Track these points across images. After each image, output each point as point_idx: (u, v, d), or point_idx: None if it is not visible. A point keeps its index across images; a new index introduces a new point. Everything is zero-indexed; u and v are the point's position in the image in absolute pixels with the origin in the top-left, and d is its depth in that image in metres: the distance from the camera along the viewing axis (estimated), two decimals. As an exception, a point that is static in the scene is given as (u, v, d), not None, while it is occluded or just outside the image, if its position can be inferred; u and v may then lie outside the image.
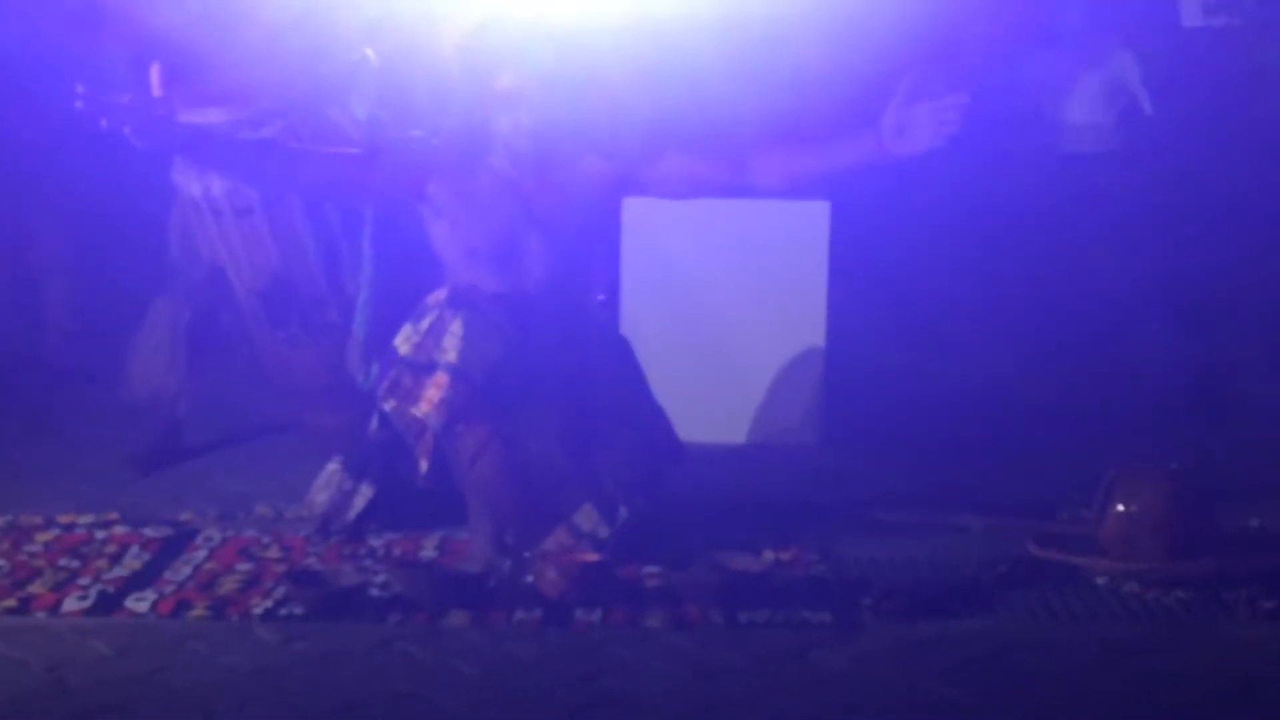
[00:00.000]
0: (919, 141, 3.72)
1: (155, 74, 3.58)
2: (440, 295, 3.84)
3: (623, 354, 4.08)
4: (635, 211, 4.95)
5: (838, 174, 3.98)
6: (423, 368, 3.77)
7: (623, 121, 4.13)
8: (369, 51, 4.34)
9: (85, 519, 4.14)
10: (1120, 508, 3.75)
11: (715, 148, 4.10)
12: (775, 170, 3.95)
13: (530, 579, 3.61)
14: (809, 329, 5.01)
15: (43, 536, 4.01)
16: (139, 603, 3.54)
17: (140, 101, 3.52)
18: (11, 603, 3.53)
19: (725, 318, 5.06)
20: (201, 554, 3.90)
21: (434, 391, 3.73)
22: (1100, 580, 3.70)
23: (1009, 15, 5.43)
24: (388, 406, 3.81)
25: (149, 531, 4.06)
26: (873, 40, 4.89)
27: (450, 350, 3.75)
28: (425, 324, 3.80)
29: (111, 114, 3.49)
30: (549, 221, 3.91)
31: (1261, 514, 4.04)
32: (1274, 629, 3.45)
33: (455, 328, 3.76)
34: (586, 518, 3.81)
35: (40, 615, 3.48)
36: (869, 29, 4.97)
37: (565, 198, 3.92)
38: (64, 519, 4.14)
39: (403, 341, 3.83)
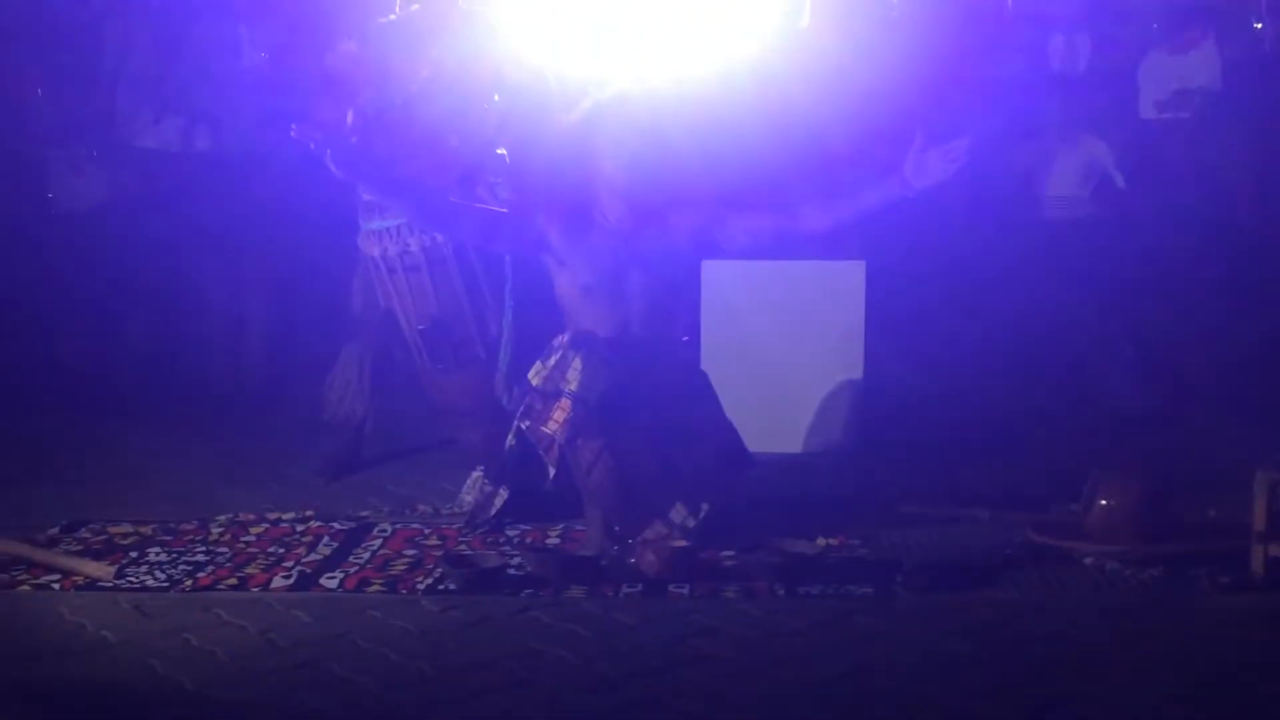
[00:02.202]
0: (933, 176, 3.72)
1: (350, 116, 3.63)
2: (564, 338, 3.84)
3: (703, 384, 4.05)
4: (711, 272, 4.95)
5: (873, 212, 3.90)
6: (550, 395, 3.77)
7: (700, 186, 4.12)
8: (501, 150, 4.36)
9: (288, 515, 4.16)
10: (1103, 501, 3.69)
11: (772, 202, 4.08)
12: (823, 216, 3.92)
13: (633, 561, 3.59)
14: (850, 363, 4.96)
15: (256, 529, 4.03)
16: (330, 580, 3.56)
17: (339, 134, 3.57)
18: (233, 581, 3.56)
19: (782, 354, 5.00)
20: (377, 542, 3.90)
21: (560, 414, 3.73)
22: (1087, 560, 3.62)
23: (1001, 96, 5.39)
24: (524, 425, 3.81)
25: (337, 525, 4.07)
26: (890, 103, 4.87)
27: (572, 381, 3.75)
28: (553, 360, 3.81)
29: (319, 140, 3.53)
30: (646, 264, 3.89)
31: (1217, 506, 3.95)
32: (1229, 599, 3.37)
33: (576, 363, 3.76)
34: (677, 512, 3.79)
35: (254, 590, 3.50)
36: (887, 95, 4.95)
37: (658, 244, 3.91)
38: (272, 515, 4.16)
39: (535, 374, 3.83)
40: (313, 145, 3.58)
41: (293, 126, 3.54)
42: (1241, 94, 5.73)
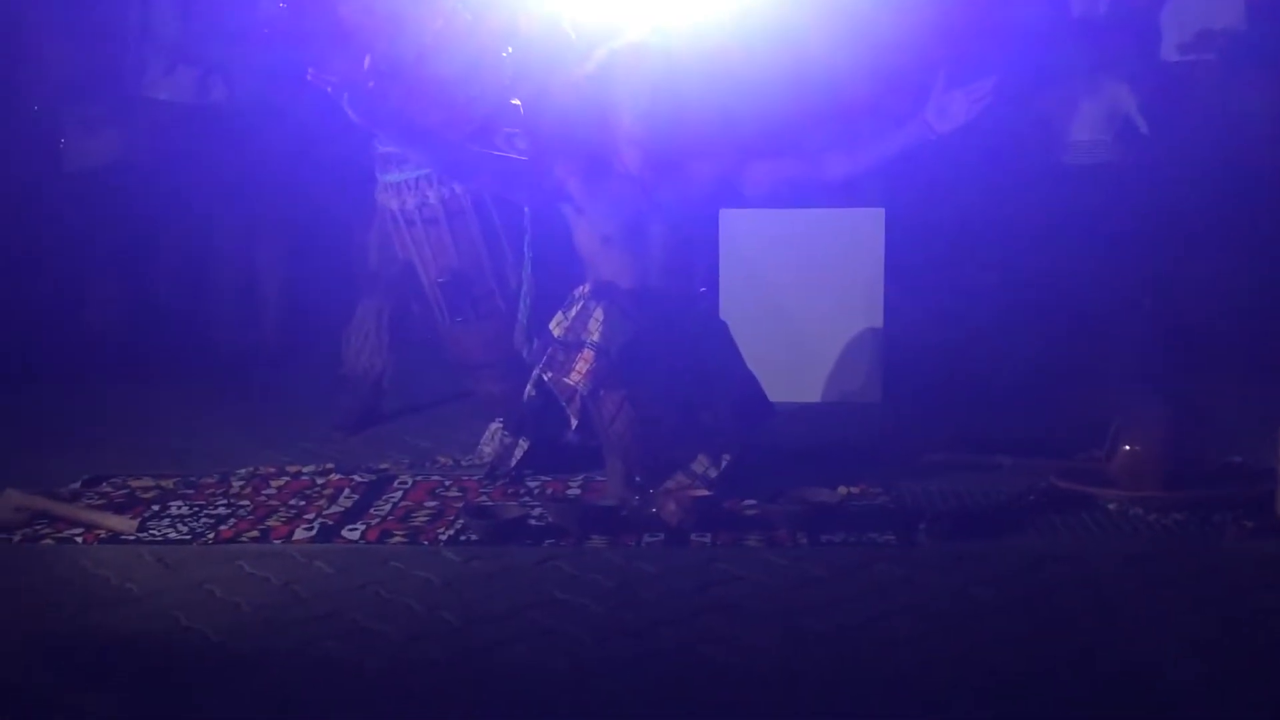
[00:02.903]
0: (958, 118, 3.67)
1: (368, 62, 3.61)
2: (585, 289, 3.83)
3: (722, 334, 4.03)
4: (729, 221, 4.93)
5: (895, 157, 3.83)
6: (572, 346, 3.76)
7: (719, 131, 4.08)
8: (516, 101, 4.33)
9: (308, 468, 4.17)
10: (1126, 447, 3.67)
11: (793, 150, 4.05)
12: (846, 161, 3.88)
13: (655, 511, 3.59)
14: (870, 311, 4.95)
15: (277, 483, 4.05)
16: (352, 532, 3.57)
17: (358, 78, 3.55)
18: (255, 533, 3.57)
19: (803, 304, 5.00)
20: (398, 494, 3.91)
21: (582, 365, 3.72)
22: (1111, 506, 3.61)
23: (1022, 40, 5.33)
24: (546, 377, 3.80)
25: (358, 477, 4.08)
26: (911, 39, 4.83)
27: (594, 332, 3.73)
28: (574, 311, 3.79)
29: (336, 84, 3.51)
30: (665, 213, 3.87)
31: (1242, 451, 3.94)
32: (1254, 544, 3.35)
33: (597, 314, 3.75)
34: (699, 463, 3.79)
35: (277, 543, 3.51)
36: (904, 34, 4.90)
37: (677, 193, 3.88)
38: (292, 469, 4.17)
39: (556, 325, 3.82)
40: (330, 89, 3.56)
41: (310, 70, 3.51)
42: (1266, 34, 5.65)
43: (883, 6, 5.11)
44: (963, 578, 3.16)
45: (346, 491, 3.93)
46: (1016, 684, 2.62)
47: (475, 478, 4.05)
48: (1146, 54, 5.83)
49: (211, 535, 3.55)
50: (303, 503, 3.83)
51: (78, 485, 4.01)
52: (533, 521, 3.60)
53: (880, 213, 4.95)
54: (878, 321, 4.95)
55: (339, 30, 4.41)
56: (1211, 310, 5.42)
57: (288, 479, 4.08)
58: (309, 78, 3.51)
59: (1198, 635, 2.82)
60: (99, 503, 3.84)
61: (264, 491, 3.95)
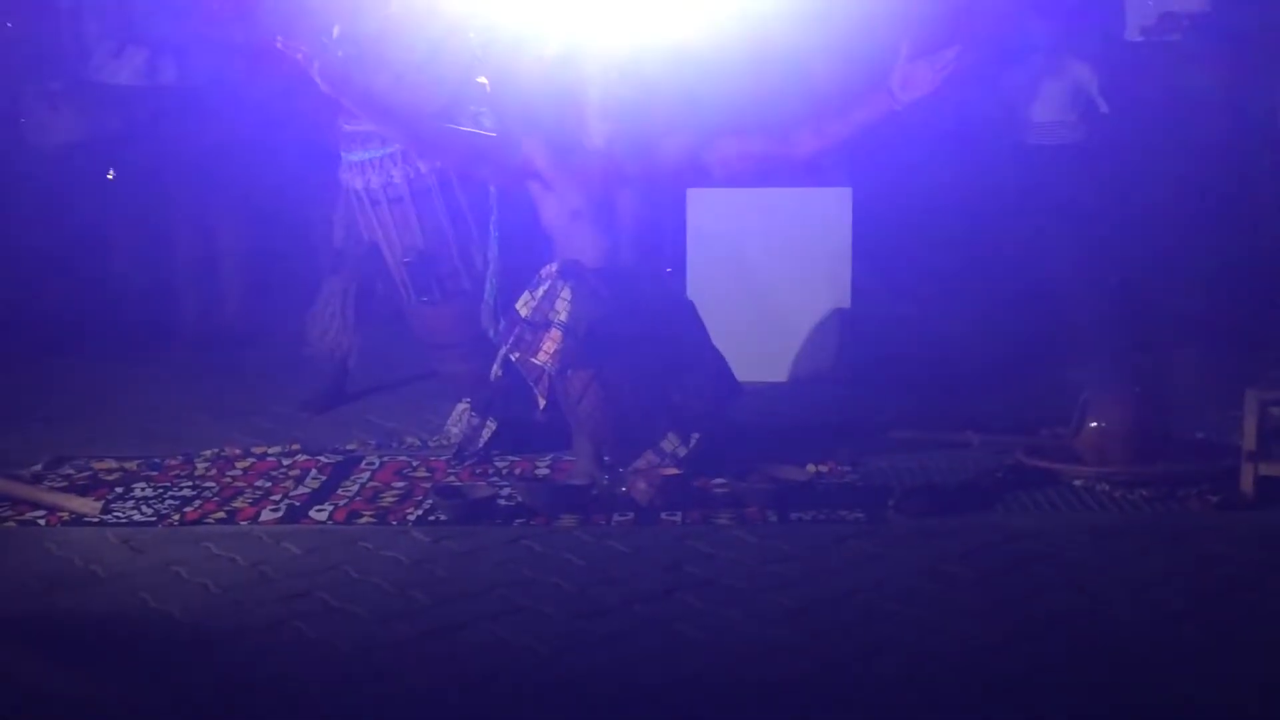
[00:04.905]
0: (921, 88, 3.66)
1: (336, 31, 3.57)
2: (552, 268, 3.81)
3: (690, 314, 4.04)
4: (696, 201, 4.92)
5: (863, 131, 3.81)
6: (540, 326, 3.75)
7: (687, 109, 4.07)
8: (482, 79, 4.31)
9: (274, 449, 4.14)
10: (1093, 423, 3.71)
11: (760, 127, 4.03)
12: (814, 137, 3.87)
13: (624, 490, 3.59)
14: (837, 291, 4.96)
15: (242, 464, 4.02)
16: (319, 513, 3.55)
17: (326, 47, 3.52)
18: (221, 514, 3.55)
19: (769, 283, 5.00)
20: (366, 475, 3.90)
21: (550, 344, 3.71)
22: (1077, 482, 3.65)
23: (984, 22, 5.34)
24: (514, 357, 3.79)
25: (324, 458, 4.06)
26: (874, 16, 4.83)
27: (561, 312, 3.72)
28: (541, 291, 3.78)
29: (305, 53, 3.48)
30: (633, 190, 3.87)
31: (1207, 427, 3.98)
32: (1219, 518, 3.40)
33: (565, 294, 3.73)
34: (668, 441, 3.79)
35: (244, 524, 3.49)
36: (868, 10, 4.90)
37: (645, 170, 3.88)
38: (258, 449, 4.14)
39: (523, 305, 3.81)
40: (300, 56, 3.52)
41: (279, 39, 3.48)
42: (1228, 17, 5.70)
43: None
44: (931, 554, 3.18)
45: (313, 472, 3.91)
46: (985, 658, 2.64)
47: (443, 458, 4.04)
48: (1110, 35, 5.88)
49: (177, 517, 3.53)
50: (269, 484, 3.81)
51: (39, 467, 3.97)
52: (502, 501, 3.60)
53: (847, 192, 4.96)
54: (845, 301, 4.96)
55: (294, 3, 4.37)
56: (1175, 288, 5.48)
57: (253, 460, 4.06)
58: (278, 46, 3.48)
59: (1164, 610, 2.85)
60: (61, 485, 3.80)
61: (229, 473, 3.93)
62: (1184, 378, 4.40)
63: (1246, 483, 3.46)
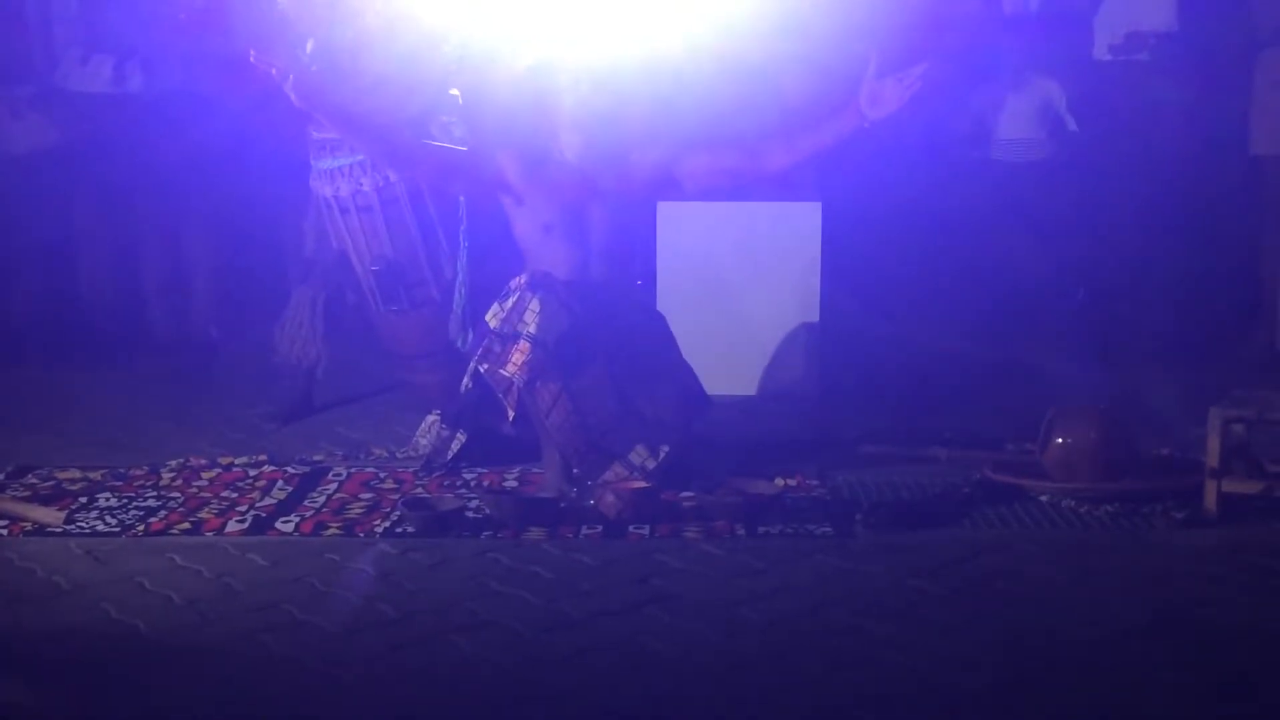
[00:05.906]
0: (889, 105, 3.68)
1: (310, 46, 3.58)
2: (522, 280, 3.81)
3: (660, 326, 4.04)
4: (666, 214, 4.94)
5: (832, 147, 3.83)
6: (509, 337, 3.74)
7: (659, 123, 4.09)
8: (455, 91, 4.31)
9: (241, 460, 4.13)
10: (1059, 439, 3.73)
11: (731, 141, 4.05)
12: (784, 152, 3.89)
13: (592, 503, 3.60)
14: (806, 305, 4.97)
15: (208, 474, 4.00)
16: (286, 524, 3.54)
17: (300, 61, 3.52)
18: (186, 525, 3.53)
19: (739, 297, 5.01)
20: (333, 486, 3.89)
21: (518, 356, 3.71)
22: (1044, 498, 3.67)
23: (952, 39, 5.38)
24: (482, 369, 3.79)
25: (291, 469, 4.05)
26: (844, 32, 4.85)
27: (531, 323, 3.72)
28: (510, 302, 3.78)
29: (280, 67, 3.48)
30: (605, 204, 3.87)
31: (1171, 444, 4.02)
32: (1184, 534, 3.43)
33: (534, 305, 3.74)
34: (637, 454, 3.79)
35: (209, 535, 3.47)
36: (838, 27, 4.93)
37: (617, 183, 3.89)
38: (224, 460, 4.12)
39: (492, 316, 3.80)
40: (274, 71, 3.52)
41: (252, 53, 3.48)
42: (1195, 36, 5.76)
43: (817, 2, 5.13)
44: (898, 568, 3.19)
45: (280, 483, 3.90)
46: (951, 673, 2.66)
47: (411, 470, 4.03)
48: (1078, 53, 5.92)
49: (141, 528, 3.51)
50: (235, 495, 3.79)
51: (2, 477, 3.95)
52: (470, 513, 3.59)
53: (816, 207, 4.98)
54: (814, 315, 4.98)
55: (266, 17, 4.37)
56: (1141, 305, 5.52)
57: (219, 470, 4.04)
58: (251, 60, 3.47)
59: (1128, 625, 2.87)
60: (24, 494, 3.78)
61: (195, 483, 3.91)
62: (1150, 394, 4.45)
63: (1210, 500, 3.49)
